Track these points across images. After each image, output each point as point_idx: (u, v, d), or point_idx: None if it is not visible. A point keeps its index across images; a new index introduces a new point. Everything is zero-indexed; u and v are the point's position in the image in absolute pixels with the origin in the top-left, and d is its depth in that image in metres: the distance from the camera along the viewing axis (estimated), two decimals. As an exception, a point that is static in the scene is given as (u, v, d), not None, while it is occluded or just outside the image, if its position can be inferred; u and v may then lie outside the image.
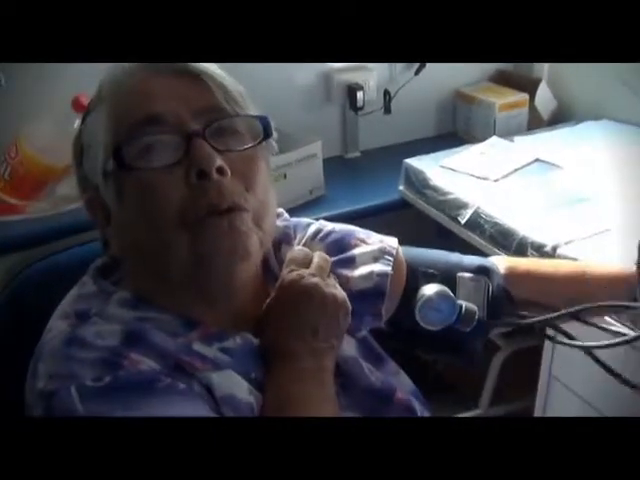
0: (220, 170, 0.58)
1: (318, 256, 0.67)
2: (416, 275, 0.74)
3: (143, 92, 0.59)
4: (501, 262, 0.80)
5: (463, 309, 0.72)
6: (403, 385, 0.73)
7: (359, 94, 1.56)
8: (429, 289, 0.72)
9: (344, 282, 0.68)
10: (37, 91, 1.24)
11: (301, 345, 0.61)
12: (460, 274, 0.75)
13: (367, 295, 0.70)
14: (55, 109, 1.17)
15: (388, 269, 0.71)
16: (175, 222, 0.58)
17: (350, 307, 0.65)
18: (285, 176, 1.37)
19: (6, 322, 0.77)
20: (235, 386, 0.58)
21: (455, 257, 0.80)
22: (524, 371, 1.23)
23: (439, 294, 0.72)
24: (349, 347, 0.69)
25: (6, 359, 0.72)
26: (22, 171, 1.21)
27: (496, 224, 1.18)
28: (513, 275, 0.78)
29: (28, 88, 1.24)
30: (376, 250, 0.72)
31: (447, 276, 0.74)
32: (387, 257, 0.72)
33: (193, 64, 0.60)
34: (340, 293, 0.64)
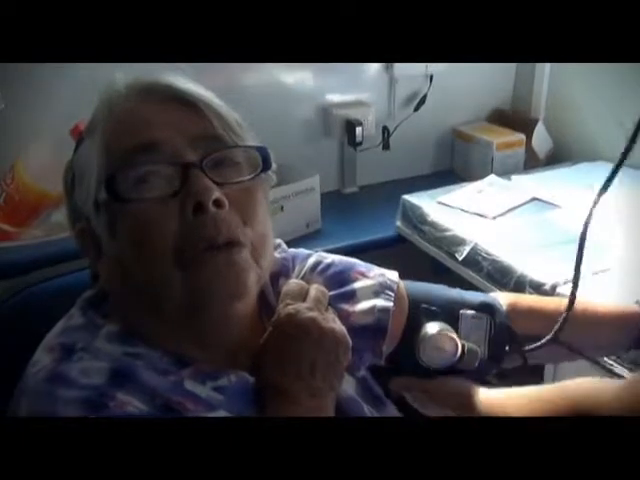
0: (217, 203, 0.56)
1: (315, 289, 0.65)
2: (418, 312, 0.73)
3: (138, 119, 0.57)
4: (503, 298, 0.79)
5: (466, 349, 0.71)
6: None
7: (358, 129, 1.57)
8: (432, 328, 0.71)
9: (344, 317, 0.66)
10: (36, 118, 1.24)
11: (299, 384, 0.58)
12: (462, 311, 0.74)
13: (368, 331, 0.68)
14: (53, 136, 1.17)
15: (390, 304, 0.69)
16: (170, 258, 0.55)
17: (350, 343, 0.62)
18: (282, 209, 1.36)
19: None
20: None
21: (456, 293, 0.78)
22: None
23: (442, 333, 0.70)
24: (348, 386, 0.67)
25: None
26: (17, 198, 1.20)
27: (494, 261, 1.17)
28: (515, 311, 0.77)
29: (27, 114, 1.24)
30: (377, 284, 0.70)
31: (449, 313, 0.73)
32: (388, 292, 0.70)
33: (190, 92, 0.59)
34: (339, 328, 0.61)
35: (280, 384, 0.59)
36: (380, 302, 0.69)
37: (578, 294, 0.99)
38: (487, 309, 0.75)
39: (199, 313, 0.58)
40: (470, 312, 0.74)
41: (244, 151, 0.61)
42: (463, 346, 0.71)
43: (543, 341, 0.74)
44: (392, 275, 0.73)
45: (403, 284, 0.74)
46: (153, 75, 0.61)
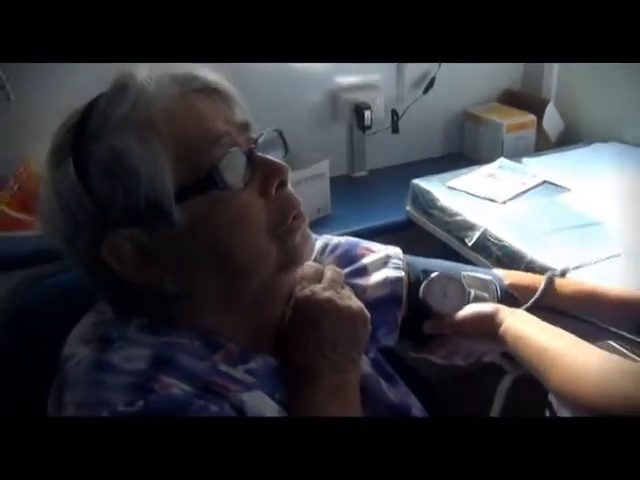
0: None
1: (330, 269, 0.67)
2: (417, 276, 0.74)
3: (196, 113, 0.57)
4: (503, 274, 0.80)
5: (472, 295, 0.72)
6: (415, 405, 0.74)
7: (367, 113, 1.56)
8: (433, 274, 0.73)
9: (361, 292, 0.69)
10: (48, 107, 1.24)
11: (322, 362, 0.61)
12: (465, 273, 0.75)
13: (384, 303, 0.71)
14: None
15: (401, 274, 0.73)
16: (265, 234, 0.58)
17: (369, 316, 0.65)
18: (292, 195, 1.37)
19: (8, 341, 0.76)
20: (266, 407, 0.58)
21: (458, 265, 0.81)
22: (532, 396, 1.21)
23: (443, 275, 0.72)
24: (364, 364, 0.69)
25: (7, 383, 0.71)
26: (30, 186, 1.21)
27: (504, 246, 1.17)
28: (516, 287, 0.77)
29: (38, 103, 1.24)
30: (384, 257, 0.74)
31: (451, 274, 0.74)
32: (395, 261, 0.73)
33: (222, 83, 0.60)
34: (355, 303, 0.64)
35: (304, 364, 0.61)
36: (391, 272, 0.72)
37: (588, 280, 0.99)
38: (489, 275, 0.77)
39: (281, 281, 0.62)
40: (473, 274, 0.75)
41: (272, 134, 0.63)
42: (469, 293, 0.72)
43: (532, 301, 0.73)
44: (395, 249, 0.76)
45: (405, 258, 0.77)
46: (183, 67, 0.59)
